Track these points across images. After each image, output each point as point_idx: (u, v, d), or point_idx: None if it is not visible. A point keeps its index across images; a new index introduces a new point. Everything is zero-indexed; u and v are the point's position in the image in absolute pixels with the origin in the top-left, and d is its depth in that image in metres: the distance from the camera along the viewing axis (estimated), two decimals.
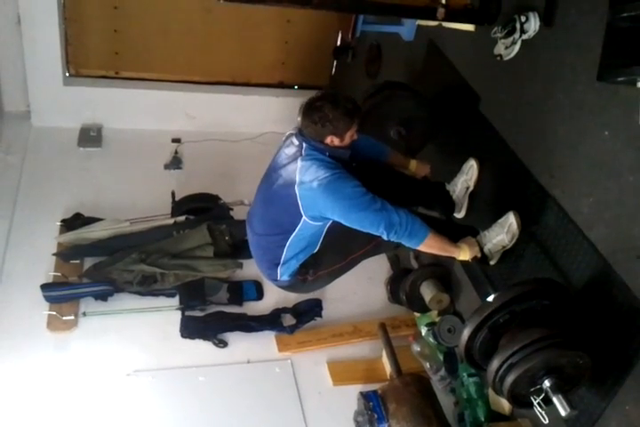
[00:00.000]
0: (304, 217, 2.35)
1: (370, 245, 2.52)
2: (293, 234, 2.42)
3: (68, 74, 4.53)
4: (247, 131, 4.64)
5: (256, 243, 2.66)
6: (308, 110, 2.32)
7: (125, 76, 4.68)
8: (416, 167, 2.84)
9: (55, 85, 4.43)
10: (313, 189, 2.26)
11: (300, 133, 2.39)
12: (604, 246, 2.16)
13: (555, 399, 1.98)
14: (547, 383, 1.99)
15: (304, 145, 2.36)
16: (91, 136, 4.53)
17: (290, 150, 2.43)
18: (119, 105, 4.59)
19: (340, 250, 2.53)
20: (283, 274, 2.57)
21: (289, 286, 2.70)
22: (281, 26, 4.63)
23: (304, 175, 2.30)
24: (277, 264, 2.55)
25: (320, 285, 2.69)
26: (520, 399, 2.09)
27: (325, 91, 2.36)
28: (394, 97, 3.17)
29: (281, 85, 4.93)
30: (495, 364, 2.02)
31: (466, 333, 2.13)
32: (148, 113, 4.61)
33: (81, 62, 4.56)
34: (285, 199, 2.36)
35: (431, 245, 2.37)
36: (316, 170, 2.28)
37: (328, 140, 2.33)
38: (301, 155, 2.35)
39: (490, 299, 2.09)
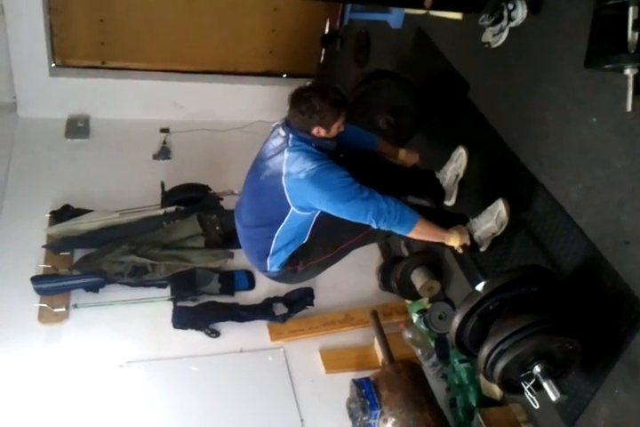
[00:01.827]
0: (292, 208, 2.36)
1: (359, 235, 2.53)
2: (282, 225, 2.43)
3: (53, 64, 4.48)
4: (235, 120, 4.62)
5: (245, 234, 2.67)
6: (297, 100, 2.32)
7: (112, 66, 4.64)
8: (405, 156, 2.84)
9: (41, 76, 4.38)
10: (300, 181, 2.28)
11: (287, 124, 2.40)
12: (592, 232, 2.18)
13: (545, 385, 2.01)
14: (537, 369, 2.01)
15: (290, 136, 2.37)
16: (78, 127, 4.49)
17: (277, 141, 2.43)
18: (106, 95, 4.56)
19: (329, 240, 2.54)
20: (272, 265, 2.59)
21: (279, 277, 2.71)
22: (268, 14, 4.59)
23: (291, 166, 2.31)
24: (267, 255, 2.56)
25: (310, 275, 2.70)
26: (511, 385, 2.11)
27: (315, 82, 2.36)
28: (383, 86, 3.16)
29: (269, 74, 4.90)
30: (486, 350, 2.04)
31: (456, 320, 2.15)
32: (135, 103, 4.58)
33: (67, 53, 4.51)
34: (273, 190, 2.36)
35: (422, 232, 2.39)
36: (303, 161, 2.29)
37: (314, 130, 2.34)
38: (288, 146, 2.35)
39: (479, 287, 2.11)
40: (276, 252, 2.53)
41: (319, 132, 2.34)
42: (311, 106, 2.28)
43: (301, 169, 2.27)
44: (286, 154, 2.33)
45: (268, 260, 2.57)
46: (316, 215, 2.43)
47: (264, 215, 2.51)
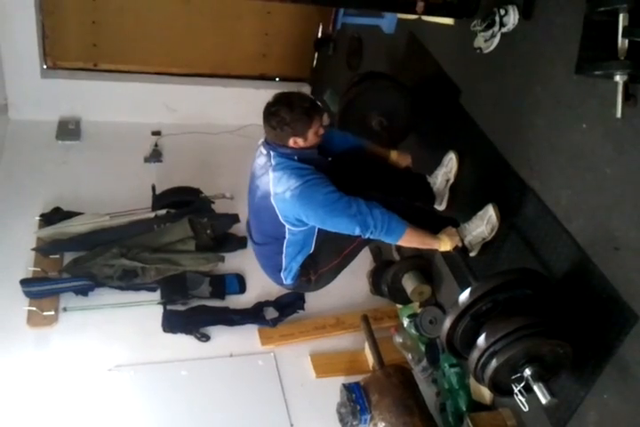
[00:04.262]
0: (287, 225, 2.39)
1: (358, 239, 2.53)
2: (285, 240, 2.48)
3: (45, 66, 4.47)
4: (228, 123, 4.62)
5: (258, 252, 2.72)
6: (266, 116, 2.34)
7: (104, 69, 4.64)
8: (397, 157, 2.85)
9: (33, 78, 4.37)
10: (286, 200, 2.29)
11: (266, 141, 2.42)
12: (582, 238, 2.18)
13: (535, 387, 2.01)
14: (528, 372, 2.02)
15: (272, 153, 2.38)
16: (69, 129, 4.48)
17: (261, 160, 2.45)
18: (98, 97, 4.55)
19: (333, 248, 2.56)
20: (286, 278, 2.63)
21: (297, 288, 2.77)
22: (261, 17, 4.60)
23: (276, 186, 2.32)
24: (280, 270, 2.61)
25: (326, 281, 2.72)
26: (501, 387, 2.11)
27: (280, 93, 2.35)
28: (376, 87, 3.17)
29: (262, 77, 4.91)
30: (477, 351, 2.04)
31: (448, 320, 2.14)
32: (127, 105, 4.57)
33: (58, 54, 4.50)
34: (266, 211, 2.40)
35: (410, 240, 2.40)
36: (287, 179, 2.30)
37: (291, 142, 2.34)
38: (271, 165, 2.37)
39: (470, 290, 2.11)
40: (288, 265, 2.58)
41: (296, 142, 2.34)
42: (281, 119, 2.29)
43: (286, 188, 2.29)
44: (271, 174, 2.35)
45: (282, 274, 2.62)
46: (317, 227, 2.44)
47: (267, 233, 2.56)
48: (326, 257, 2.58)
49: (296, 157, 2.36)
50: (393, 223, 2.32)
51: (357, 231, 2.30)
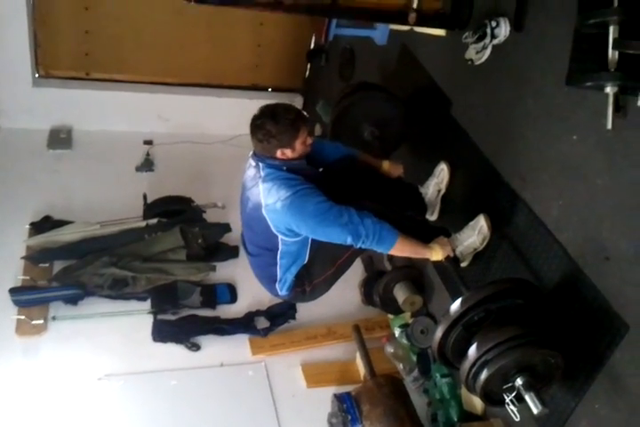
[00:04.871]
0: (279, 236, 2.40)
1: (352, 249, 2.53)
2: (279, 251, 2.48)
3: (37, 75, 4.47)
4: (220, 133, 4.62)
5: (253, 263, 2.72)
6: (252, 130, 2.35)
7: (96, 78, 4.64)
8: (389, 167, 2.86)
9: (24, 87, 4.37)
10: (277, 211, 2.30)
11: (255, 153, 2.43)
12: (573, 248, 2.20)
13: (527, 397, 2.01)
14: (519, 381, 2.02)
15: (260, 165, 2.40)
16: (60, 138, 4.48)
17: (251, 172, 2.47)
18: (90, 106, 4.54)
19: (327, 258, 2.56)
20: (281, 289, 2.63)
21: (292, 299, 2.76)
22: (254, 28, 4.63)
23: (267, 198, 2.33)
24: (275, 281, 2.60)
25: (321, 292, 2.71)
26: (492, 397, 2.11)
27: (264, 106, 2.37)
28: (368, 98, 3.19)
29: (254, 88, 4.92)
30: (469, 361, 2.05)
31: (440, 329, 2.15)
32: (119, 115, 4.57)
33: (51, 63, 4.50)
34: (258, 222, 2.40)
35: (401, 249, 2.40)
36: (277, 190, 2.31)
37: (279, 153, 2.35)
38: (261, 176, 2.38)
39: (462, 299, 2.12)
40: (282, 276, 2.58)
41: (284, 153, 2.35)
42: (266, 132, 2.30)
43: (277, 199, 2.29)
44: (261, 185, 2.36)
45: (277, 285, 2.61)
46: (310, 237, 2.44)
47: (260, 245, 2.56)
48: (320, 268, 2.58)
49: (285, 168, 2.37)
50: (384, 232, 2.32)
51: (349, 240, 2.30)
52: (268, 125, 2.30)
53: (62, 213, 3.80)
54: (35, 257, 3.52)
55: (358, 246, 2.33)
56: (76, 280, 3.38)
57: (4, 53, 4.17)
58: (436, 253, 2.47)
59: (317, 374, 3.24)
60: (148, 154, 4.48)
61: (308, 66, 4.83)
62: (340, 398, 2.83)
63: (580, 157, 2.16)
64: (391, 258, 3.48)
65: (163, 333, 3.29)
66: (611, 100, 1.88)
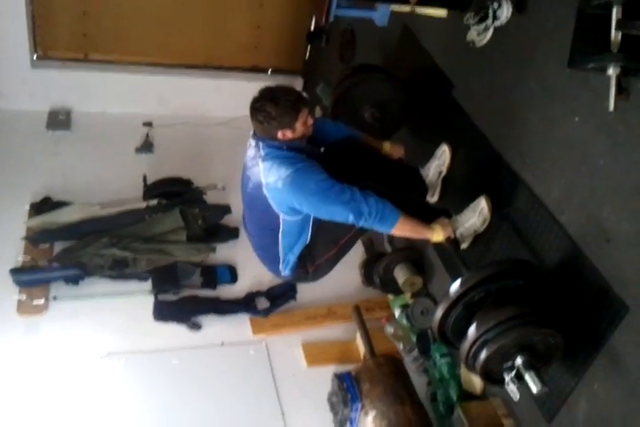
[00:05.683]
0: (281, 215, 2.40)
1: (354, 228, 2.54)
2: (280, 231, 2.48)
3: (35, 56, 4.43)
4: (220, 115, 4.60)
5: (255, 244, 2.73)
6: (252, 112, 2.35)
7: (95, 59, 4.60)
8: (390, 148, 2.86)
9: (22, 68, 4.34)
10: (278, 189, 2.30)
11: (255, 133, 2.43)
12: (574, 230, 2.21)
13: (527, 376, 2.03)
14: (519, 360, 2.04)
15: (260, 144, 2.40)
16: (59, 119, 4.46)
17: (251, 152, 2.47)
18: (88, 88, 4.52)
19: (329, 238, 2.56)
20: (284, 269, 2.64)
21: (295, 279, 2.79)
22: (253, 9, 4.59)
23: (268, 176, 2.33)
24: (277, 262, 2.61)
25: (324, 272, 2.72)
26: (492, 376, 2.14)
27: (264, 88, 2.36)
28: (369, 79, 3.18)
29: (254, 69, 4.89)
30: (469, 340, 2.06)
31: (441, 309, 2.16)
32: (118, 96, 4.54)
33: (49, 44, 4.46)
34: (260, 201, 2.41)
35: (403, 229, 2.41)
36: (278, 169, 2.31)
37: (279, 135, 2.35)
38: (261, 155, 2.38)
39: (463, 279, 2.13)
40: (285, 256, 2.58)
41: (284, 134, 2.35)
42: (266, 114, 2.30)
43: (278, 177, 2.30)
44: (261, 164, 2.37)
45: (280, 265, 2.63)
46: (312, 216, 2.45)
47: (262, 224, 2.57)
48: (323, 248, 2.58)
49: (285, 147, 2.37)
50: (387, 211, 2.33)
51: (351, 219, 2.30)
52: (268, 107, 2.30)
53: (62, 195, 3.80)
54: (35, 238, 3.53)
55: (360, 225, 2.33)
56: (76, 261, 3.39)
57: (1, 35, 4.13)
58: (437, 234, 2.48)
59: (318, 353, 3.27)
60: (147, 135, 4.47)
61: (309, 47, 4.81)
62: (340, 378, 2.85)
63: (581, 138, 2.16)
64: (391, 240, 3.50)
65: (164, 312, 3.31)
66: (613, 81, 1.88)
